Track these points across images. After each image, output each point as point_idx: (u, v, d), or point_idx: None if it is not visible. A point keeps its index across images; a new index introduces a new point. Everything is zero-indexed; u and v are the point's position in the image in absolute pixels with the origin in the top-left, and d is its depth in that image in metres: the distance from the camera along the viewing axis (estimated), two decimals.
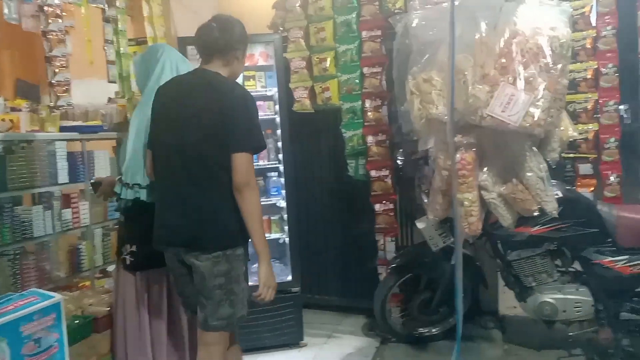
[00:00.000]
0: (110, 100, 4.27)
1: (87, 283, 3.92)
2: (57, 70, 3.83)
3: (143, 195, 2.39)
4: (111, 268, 4.22)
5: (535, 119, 2.33)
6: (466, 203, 2.53)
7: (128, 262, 2.47)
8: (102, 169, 3.82)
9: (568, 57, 2.48)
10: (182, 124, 2.10)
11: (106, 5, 3.87)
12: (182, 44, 3.34)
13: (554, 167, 2.69)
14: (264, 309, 2.77)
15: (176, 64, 2.48)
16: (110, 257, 3.97)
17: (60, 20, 3.77)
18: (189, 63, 2.62)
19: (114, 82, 4.07)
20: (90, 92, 4.24)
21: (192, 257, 2.09)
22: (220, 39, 2.15)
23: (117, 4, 3.89)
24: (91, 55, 3.84)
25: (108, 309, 2.83)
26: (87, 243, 3.76)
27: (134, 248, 2.46)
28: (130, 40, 4.15)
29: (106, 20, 3.95)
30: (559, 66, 2.41)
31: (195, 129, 2.07)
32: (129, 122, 3.89)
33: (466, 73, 2.48)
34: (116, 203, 2.59)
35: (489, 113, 2.37)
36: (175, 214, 2.13)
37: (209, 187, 2.07)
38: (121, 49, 3.95)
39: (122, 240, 2.56)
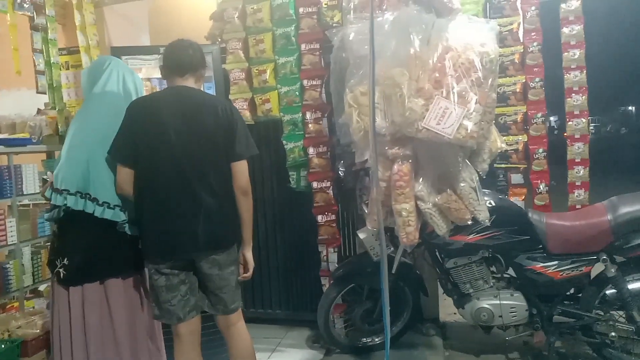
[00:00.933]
0: (39, 111, 4.07)
1: (15, 304, 3.71)
2: None
3: (109, 214, 2.32)
4: (42, 287, 4.02)
5: (468, 131, 2.40)
6: (404, 213, 2.57)
7: (62, 275, 2.36)
8: (31, 184, 3.64)
9: (496, 72, 2.58)
10: (187, 136, 2.25)
11: (34, 13, 3.70)
12: (116, 53, 3.25)
13: (484, 177, 2.79)
14: (206, 325, 2.70)
15: (123, 75, 2.54)
16: (41, 276, 3.78)
17: None
18: (136, 75, 2.66)
19: (44, 93, 3.88)
20: (18, 103, 4.04)
21: (214, 255, 2.31)
22: (194, 57, 2.37)
23: (47, 12, 3.73)
24: (18, 64, 3.66)
25: (38, 331, 2.70)
26: (15, 262, 3.55)
27: (66, 261, 2.35)
28: (61, 49, 4.01)
29: (34, 28, 3.77)
30: (489, 81, 2.50)
31: (204, 141, 2.26)
32: (59, 135, 3.76)
33: (403, 87, 2.53)
34: (48, 217, 2.48)
35: (425, 126, 2.42)
36: (190, 222, 2.26)
37: (220, 193, 2.31)
38: (51, 58, 3.80)
39: (55, 252, 2.42)
